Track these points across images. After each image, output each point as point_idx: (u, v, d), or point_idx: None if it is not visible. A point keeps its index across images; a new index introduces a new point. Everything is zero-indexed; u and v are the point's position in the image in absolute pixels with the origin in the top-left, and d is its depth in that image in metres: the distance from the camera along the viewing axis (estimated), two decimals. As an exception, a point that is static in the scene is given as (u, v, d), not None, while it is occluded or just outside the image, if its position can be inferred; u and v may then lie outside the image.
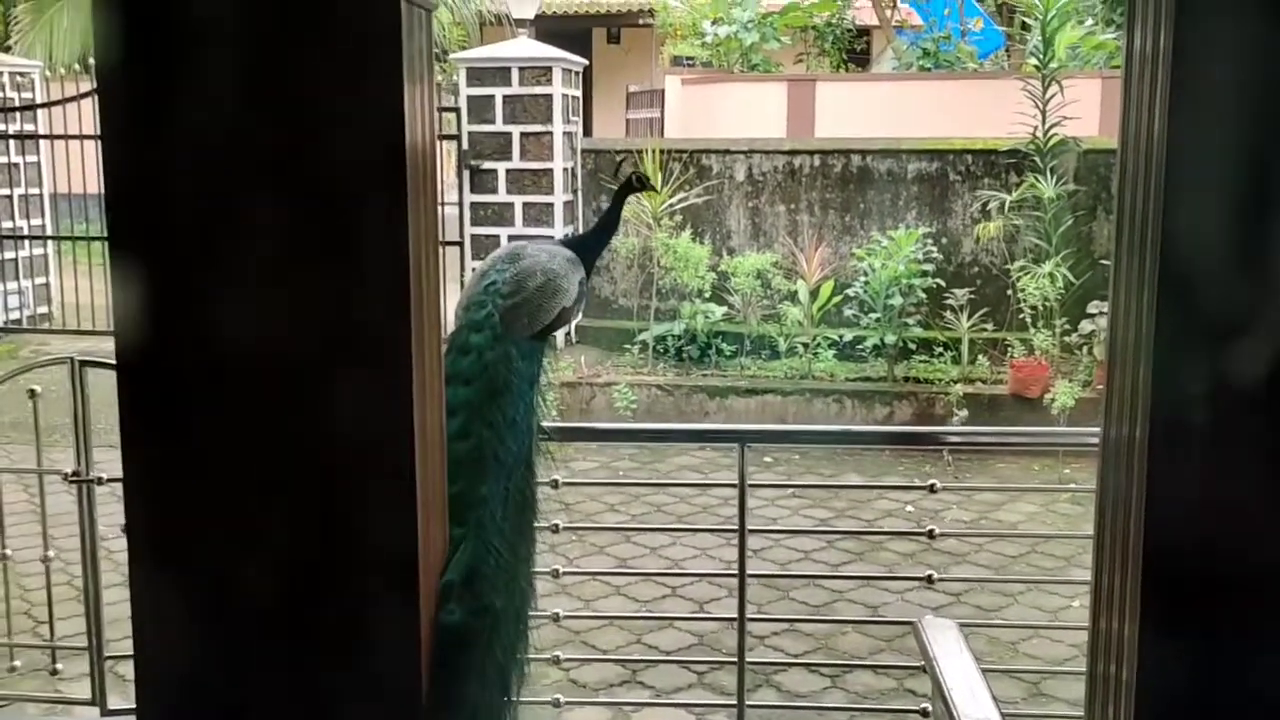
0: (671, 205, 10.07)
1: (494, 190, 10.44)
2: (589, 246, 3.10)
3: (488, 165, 10.43)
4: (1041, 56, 9.85)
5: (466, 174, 10.46)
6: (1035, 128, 9.68)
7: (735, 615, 3.64)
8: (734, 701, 3.62)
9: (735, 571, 3.63)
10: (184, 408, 2.55)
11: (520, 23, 13.29)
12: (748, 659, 3.65)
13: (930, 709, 3.44)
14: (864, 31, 17.49)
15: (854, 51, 16.85)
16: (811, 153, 10.53)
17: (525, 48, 10.92)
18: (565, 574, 4.07)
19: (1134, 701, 2.46)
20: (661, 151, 10.35)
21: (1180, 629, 2.37)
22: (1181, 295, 2.32)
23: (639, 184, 3.27)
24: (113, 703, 4.11)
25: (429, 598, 2.52)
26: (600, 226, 3.18)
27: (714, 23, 14.67)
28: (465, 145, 10.43)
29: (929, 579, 3.86)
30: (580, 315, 3.24)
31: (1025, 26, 11.07)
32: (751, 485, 3.43)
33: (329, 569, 2.42)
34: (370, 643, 2.41)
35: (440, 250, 2.89)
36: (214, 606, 2.54)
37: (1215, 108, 2.22)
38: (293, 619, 2.53)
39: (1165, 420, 2.34)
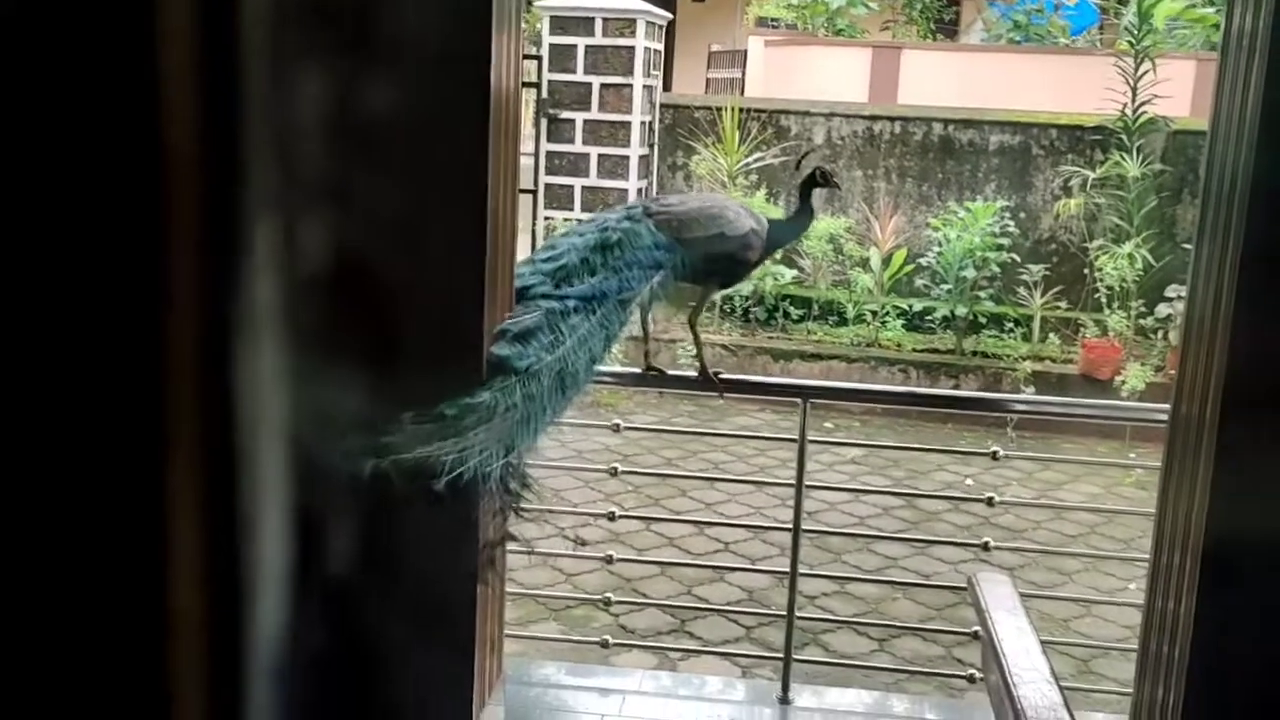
0: (747, 164, 10.03)
1: (570, 140, 10.45)
2: (783, 225, 3.43)
3: (566, 115, 10.43)
4: (1136, 33, 9.63)
5: (544, 122, 10.48)
6: (1124, 105, 9.48)
7: (787, 570, 3.68)
8: (781, 656, 3.67)
9: (789, 527, 3.66)
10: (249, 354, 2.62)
11: (607, -27, 13.21)
12: (797, 615, 3.69)
13: (977, 674, 3.46)
14: (954, 1, 17.18)
15: (943, 21, 16.57)
16: (892, 119, 10.41)
17: (610, -1, 10.89)
18: (620, 517, 4.12)
19: (1184, 680, 2.47)
20: (740, 110, 10.29)
21: (1237, 610, 2.37)
22: (1262, 279, 2.30)
23: (823, 180, 3.37)
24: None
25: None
26: (802, 213, 3.41)
27: (801, -17, 14.50)
28: (545, 94, 10.45)
29: (985, 545, 3.86)
30: (746, 272, 3.46)
31: (1121, 2, 10.83)
32: (811, 443, 3.45)
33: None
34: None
35: (517, 197, 2.94)
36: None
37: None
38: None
39: (1237, 401, 2.33)
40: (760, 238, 3.19)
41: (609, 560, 4.16)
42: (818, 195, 3.48)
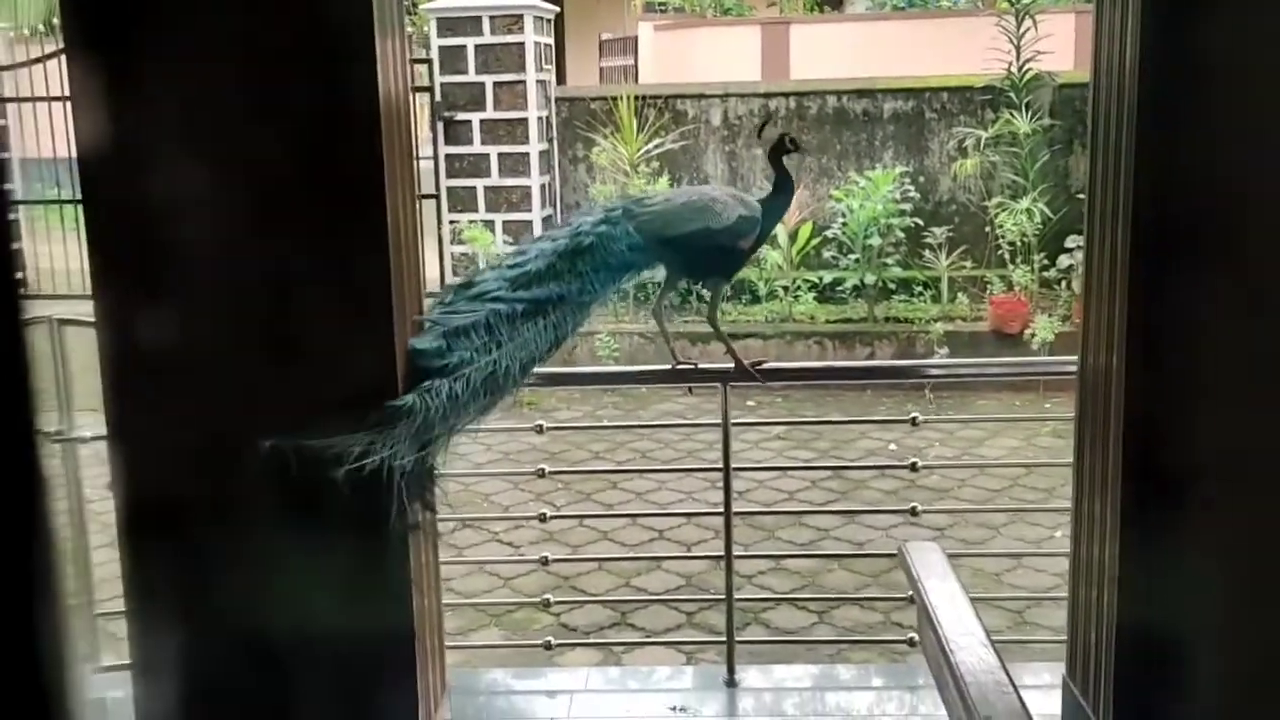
0: (648, 151, 10.03)
1: (469, 142, 10.37)
2: (771, 202, 3.29)
3: (461, 116, 10.35)
4: (1015, -9, 9.81)
5: (440, 126, 10.38)
6: (1010, 64, 9.66)
7: (722, 554, 3.69)
8: (723, 638, 3.68)
9: (721, 511, 3.67)
10: (164, 365, 2.56)
11: (490, -29, 13.12)
12: (736, 597, 3.70)
13: (916, 638, 3.50)
14: (837, -29, 17.35)
15: (827, -8, 16.74)
16: (787, 95, 10.49)
17: (496, -4, 10.81)
18: (553, 519, 4.09)
19: (1114, 624, 2.52)
20: (636, 98, 10.30)
21: (1159, 552, 2.42)
22: (1155, 225, 2.35)
23: (792, 145, 3.31)
24: (105, 659, 4.14)
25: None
26: (781, 185, 3.32)
27: (686, -33, 14.54)
28: (438, 97, 10.35)
29: (913, 510, 3.91)
30: (744, 260, 3.42)
31: (998, -39, 11.01)
32: (735, 425, 3.46)
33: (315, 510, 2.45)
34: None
35: (417, 203, 2.90)
36: (200, 560, 2.57)
37: (1186, 36, 2.24)
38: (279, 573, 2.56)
39: (1140, 348, 2.39)
40: (753, 223, 3.16)
41: (544, 562, 4.14)
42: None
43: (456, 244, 10.29)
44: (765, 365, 3.48)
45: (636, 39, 15.06)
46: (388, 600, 2.67)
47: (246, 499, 2.50)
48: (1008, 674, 1.77)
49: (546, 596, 4.27)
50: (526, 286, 2.86)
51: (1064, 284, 9.01)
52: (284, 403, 2.52)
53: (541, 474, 3.99)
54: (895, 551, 2.91)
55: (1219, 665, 2.34)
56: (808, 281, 9.61)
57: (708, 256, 3.19)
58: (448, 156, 10.42)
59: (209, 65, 2.45)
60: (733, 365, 3.38)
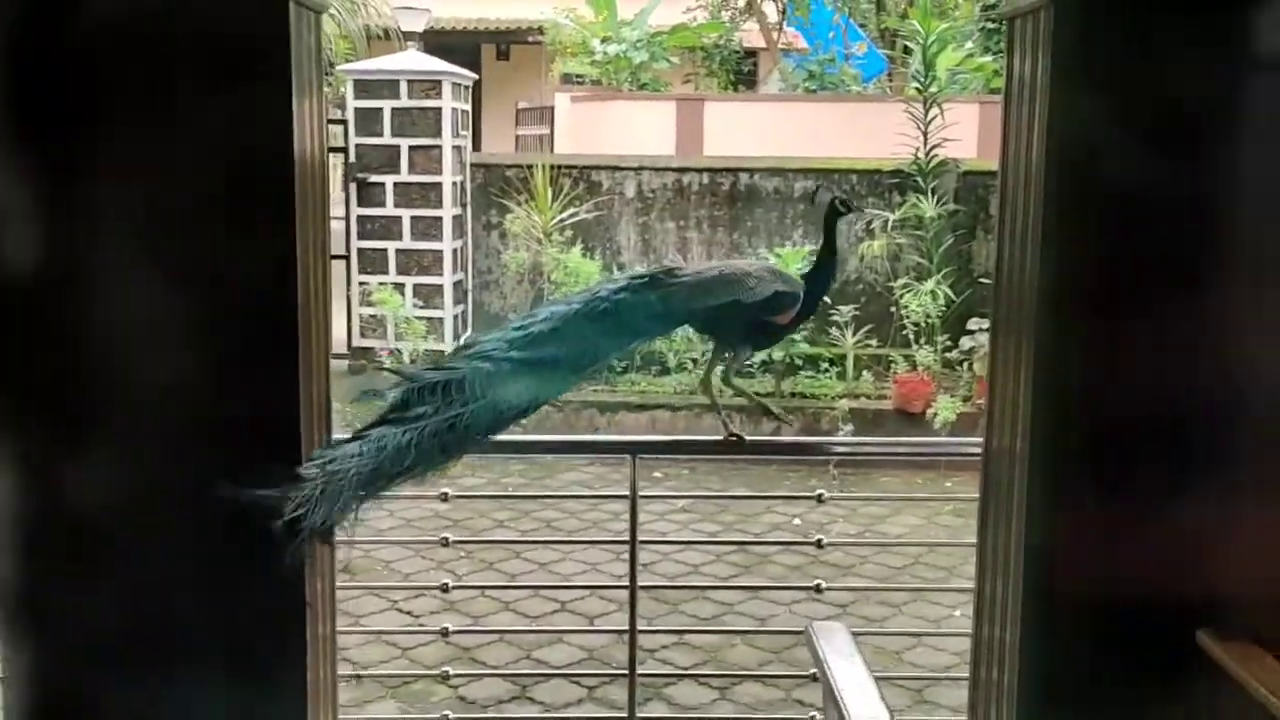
0: (562, 220, 10.08)
1: (382, 204, 10.33)
2: (814, 276, 3.26)
3: (375, 178, 10.31)
4: (923, 80, 10.13)
5: (353, 187, 10.32)
6: (917, 149, 9.95)
7: (626, 628, 3.64)
8: (625, 715, 3.62)
9: (626, 584, 3.63)
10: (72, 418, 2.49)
11: (409, 36, 13.18)
12: (638, 672, 3.66)
13: (819, 717, 3.49)
14: (751, 53, 17.71)
15: (741, 73, 17.06)
16: (700, 170, 10.64)
17: (414, 61, 10.83)
18: (454, 588, 4.02)
19: (1015, 705, 2.53)
20: (552, 167, 10.36)
21: (1059, 634, 2.45)
22: (1060, 311, 2.41)
23: (844, 208, 3.25)
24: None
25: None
26: (823, 257, 3.28)
27: (603, 41, 14.72)
28: (352, 158, 10.30)
29: (817, 588, 3.91)
30: (781, 334, 3.36)
31: (907, 51, 11.38)
32: (642, 497, 3.44)
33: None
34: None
35: (328, 263, 2.86)
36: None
37: (1091, 130, 2.32)
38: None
39: (1044, 432, 2.43)
40: (792, 298, 3.12)
41: (445, 633, 4.05)
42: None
43: (365, 306, 10.19)
44: (747, 440, 3.41)
45: (553, 109, 15.18)
46: (280, 669, 2.59)
47: (141, 543, 2.43)
48: (913, 757, 1.76)
49: (446, 669, 4.19)
50: (523, 348, 2.84)
51: (966, 365, 9.20)
52: (189, 452, 2.46)
53: (445, 543, 3.92)
54: (799, 629, 2.90)
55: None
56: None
57: (735, 326, 3.19)
58: (360, 218, 10.35)
59: (117, 123, 2.40)
60: (722, 434, 3.34)
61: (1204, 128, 2.24)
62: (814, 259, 3.34)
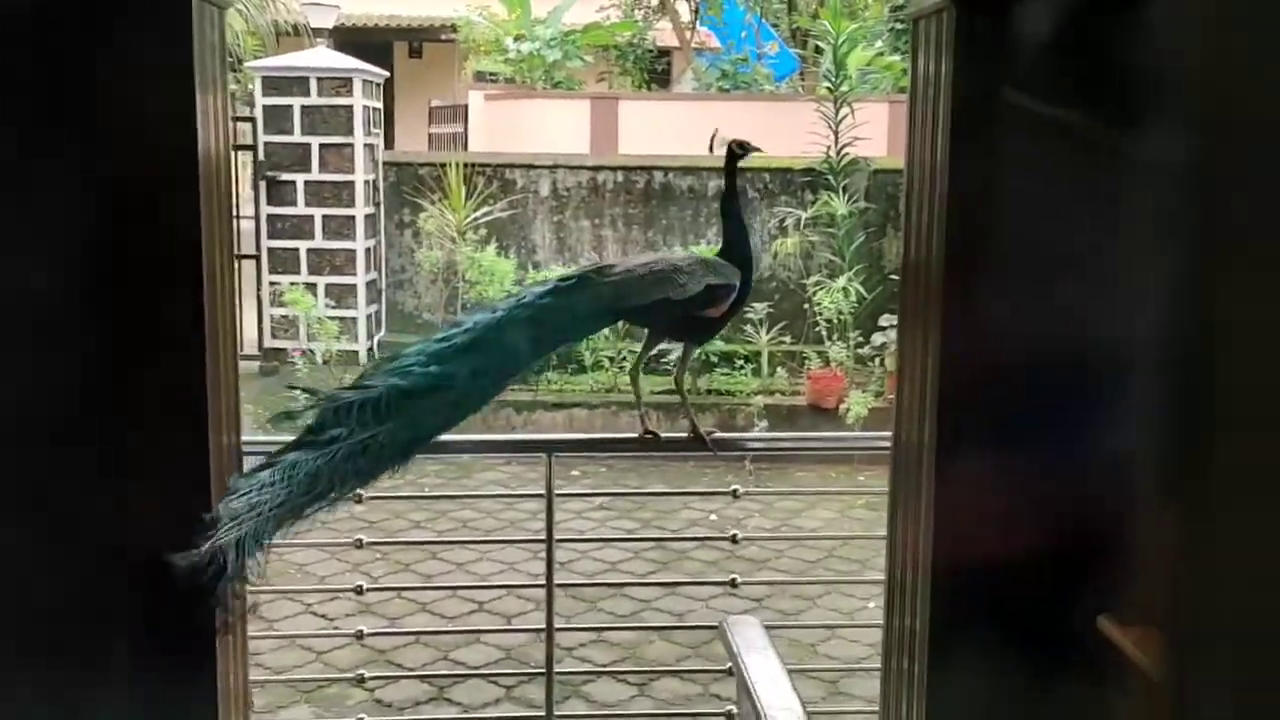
0: (476, 219, 10.03)
1: (292, 203, 10.18)
2: (732, 243, 3.20)
3: (285, 177, 10.16)
4: (834, 79, 10.24)
5: (263, 185, 10.17)
6: (829, 148, 10.07)
7: (543, 627, 3.64)
8: (543, 713, 3.62)
9: (543, 583, 3.63)
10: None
11: (318, 33, 13.00)
12: (556, 670, 3.66)
13: (735, 711, 3.52)
14: (664, 52, 17.77)
15: (655, 72, 17.11)
16: (615, 169, 10.65)
17: (324, 58, 10.70)
18: (369, 590, 3.98)
19: (925, 694, 2.58)
20: (466, 165, 10.30)
21: (967, 624, 2.50)
22: (964, 307, 2.46)
23: (741, 150, 3.21)
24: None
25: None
26: (726, 213, 3.25)
27: (516, 39, 14.67)
28: (261, 156, 10.14)
29: (733, 583, 3.94)
30: (717, 327, 3.30)
31: (818, 50, 11.51)
32: (559, 495, 3.44)
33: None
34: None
35: (236, 263, 2.82)
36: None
37: (993, 127, 2.37)
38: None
39: (950, 425, 2.48)
40: (726, 290, 3.08)
41: (360, 635, 4.01)
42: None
43: (277, 306, 10.04)
44: (715, 436, 3.36)
45: (466, 107, 15.09)
46: (189, 675, 2.55)
47: (39, 549, 2.37)
48: (824, 746, 1.79)
49: (361, 671, 4.14)
50: (442, 361, 2.79)
51: (878, 361, 9.33)
52: (93, 462, 2.41)
53: (359, 544, 3.88)
54: (716, 624, 2.93)
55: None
56: (632, 352, 9.68)
57: (671, 323, 3.15)
58: (270, 217, 10.20)
59: (11, 121, 2.34)
60: (688, 432, 3.30)
61: (1102, 124, 2.30)
62: (727, 220, 3.28)
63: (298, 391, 2.76)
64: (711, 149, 3.39)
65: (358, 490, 2.75)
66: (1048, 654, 2.39)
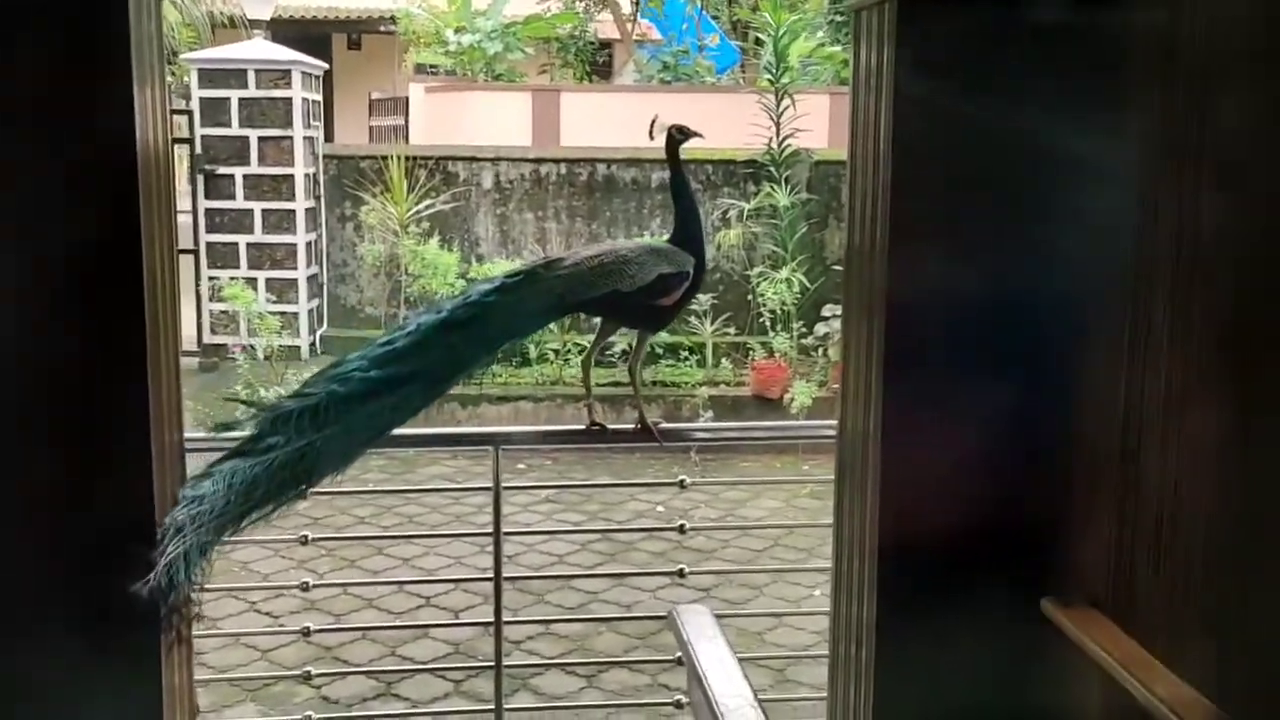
0: (418, 212, 9.96)
1: (231, 196, 10.06)
2: (683, 227, 3.19)
3: (223, 170, 10.03)
4: (774, 71, 10.30)
5: (200, 179, 10.03)
6: (770, 139, 10.12)
7: (491, 620, 3.63)
8: (492, 707, 3.62)
9: (490, 577, 3.62)
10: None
11: (255, 24, 12.84)
12: (505, 664, 3.65)
13: (684, 700, 3.54)
14: (605, 45, 17.75)
15: (596, 64, 17.08)
16: (558, 161, 10.63)
17: (262, 50, 10.57)
18: (315, 587, 3.95)
19: (873, 680, 2.61)
20: (407, 158, 10.22)
21: (914, 610, 2.53)
22: (909, 296, 2.48)
23: (681, 135, 3.20)
24: None
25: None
26: (676, 196, 3.24)
27: (457, 31, 14.57)
28: (198, 149, 10.00)
29: (680, 573, 3.96)
30: (670, 315, 3.27)
31: (759, 42, 11.54)
32: (506, 489, 3.43)
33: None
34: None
35: (176, 257, 2.78)
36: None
37: (934, 119, 2.40)
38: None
39: (895, 411, 2.51)
40: (679, 278, 3.07)
41: (306, 632, 3.98)
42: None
43: (216, 301, 9.92)
44: (662, 427, 3.35)
45: (407, 99, 14.98)
46: (133, 675, 2.51)
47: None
48: (775, 732, 1.81)
49: (308, 668, 4.12)
50: (383, 365, 2.76)
51: (821, 351, 9.40)
52: (35, 460, 2.38)
53: (304, 541, 3.85)
54: (664, 614, 2.94)
55: (971, 716, 2.46)
56: (578, 345, 9.69)
57: (623, 313, 3.13)
58: (208, 211, 10.07)
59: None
60: (636, 424, 3.29)
61: (1040, 115, 2.34)
62: (678, 205, 3.28)
63: (238, 403, 2.74)
64: (652, 135, 3.39)
65: (296, 497, 2.73)
66: (993, 637, 2.43)
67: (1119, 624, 2.20)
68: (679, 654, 3.39)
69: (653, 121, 3.29)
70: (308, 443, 2.66)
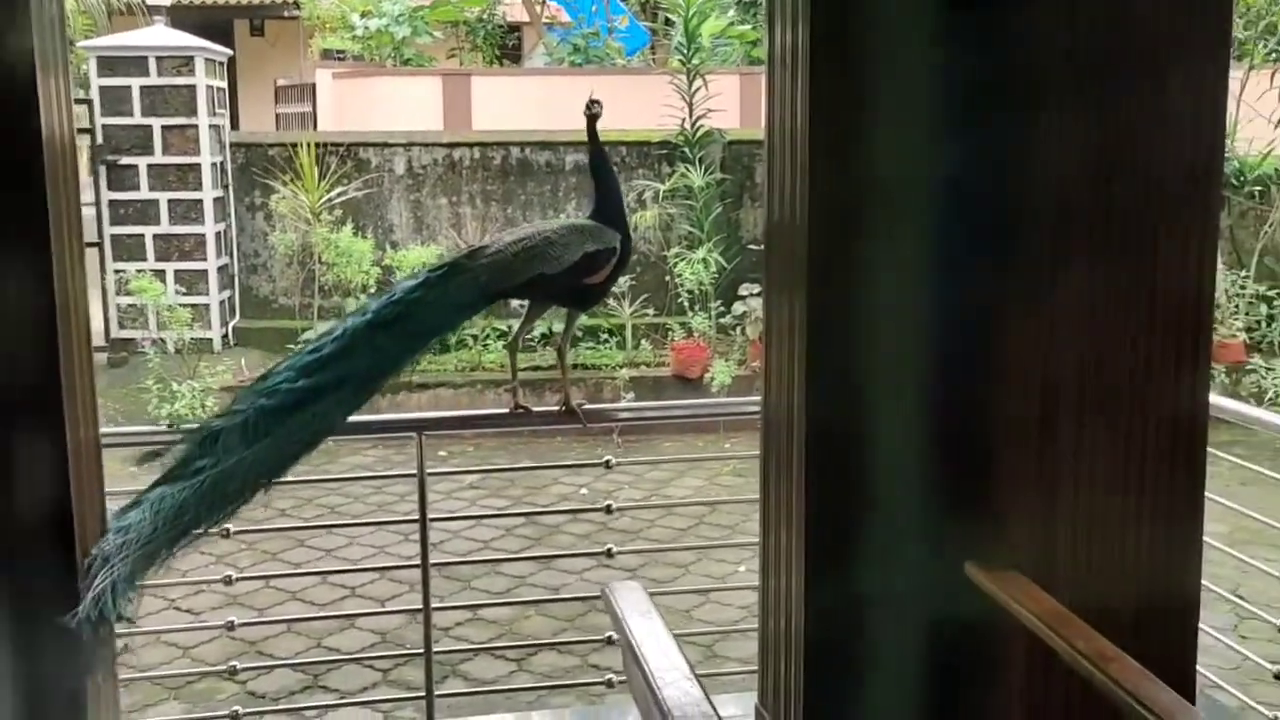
0: (330, 199, 9.83)
1: (135, 187, 9.83)
2: (604, 202, 3.16)
3: (127, 160, 9.79)
4: (685, 52, 10.33)
5: (103, 170, 9.78)
6: (683, 120, 10.15)
7: (419, 607, 3.62)
8: (422, 694, 3.60)
9: (417, 564, 3.60)
10: None
11: (155, 10, 12.56)
12: (434, 650, 3.64)
13: (615, 679, 3.56)
14: (515, 28, 17.64)
15: (506, 47, 16.97)
16: (471, 145, 10.55)
17: (163, 36, 10.33)
18: (237, 580, 3.90)
19: (803, 652, 2.65)
20: (317, 145, 10.07)
21: (841, 580, 2.58)
22: (826, 274, 2.52)
23: (593, 109, 3.23)
24: None
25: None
26: (598, 173, 3.23)
27: (363, 16, 14.38)
28: (100, 139, 9.76)
29: (608, 553, 3.97)
30: (599, 292, 3.27)
31: (669, 23, 11.57)
32: (430, 475, 3.42)
33: None
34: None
35: (84, 249, 2.72)
36: None
37: (850, 98, 2.43)
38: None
39: (818, 385, 2.54)
40: (607, 254, 3.04)
41: (230, 627, 3.93)
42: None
43: (123, 295, 9.69)
44: (585, 408, 3.35)
45: (314, 86, 14.76)
46: (55, 675, 2.47)
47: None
48: (712, 705, 1.83)
49: (232, 664, 4.07)
50: (311, 374, 2.72)
51: (739, 329, 9.47)
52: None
53: (226, 534, 3.79)
54: (592, 594, 2.95)
55: (900, 680, 2.52)
56: (496, 330, 9.64)
57: (551, 295, 3.11)
58: (112, 203, 9.83)
59: None
60: (560, 405, 3.28)
61: (957, 94, 2.38)
62: (596, 181, 3.27)
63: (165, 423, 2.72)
64: (595, 112, 3.36)
65: (228, 514, 2.70)
66: (920, 603, 2.48)
67: (1040, 584, 2.27)
68: (609, 634, 3.41)
69: (593, 101, 3.29)
70: (237, 460, 2.63)
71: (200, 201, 9.90)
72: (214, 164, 10.03)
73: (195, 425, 2.73)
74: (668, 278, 9.92)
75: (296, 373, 2.75)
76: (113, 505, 2.69)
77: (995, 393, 2.48)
